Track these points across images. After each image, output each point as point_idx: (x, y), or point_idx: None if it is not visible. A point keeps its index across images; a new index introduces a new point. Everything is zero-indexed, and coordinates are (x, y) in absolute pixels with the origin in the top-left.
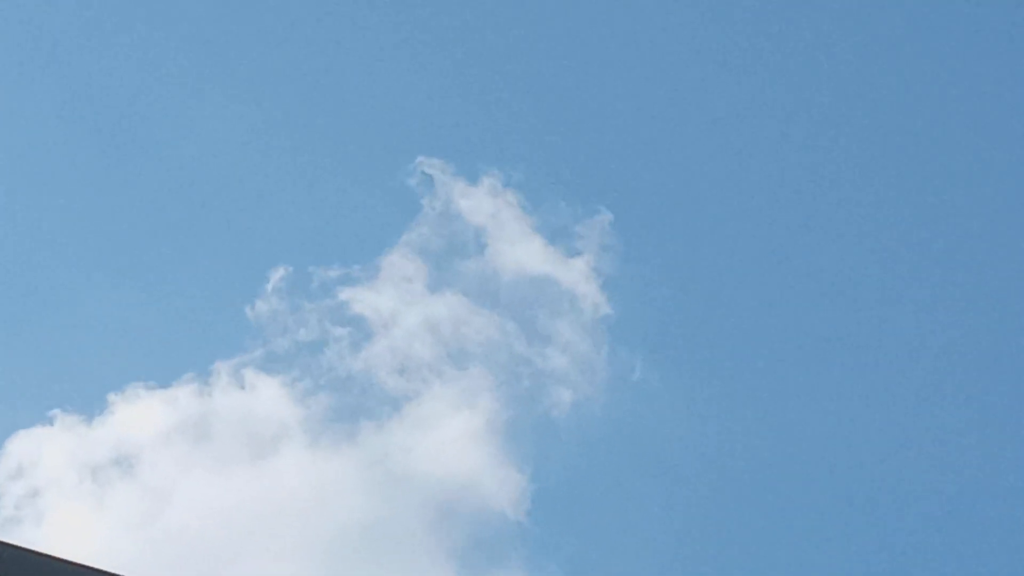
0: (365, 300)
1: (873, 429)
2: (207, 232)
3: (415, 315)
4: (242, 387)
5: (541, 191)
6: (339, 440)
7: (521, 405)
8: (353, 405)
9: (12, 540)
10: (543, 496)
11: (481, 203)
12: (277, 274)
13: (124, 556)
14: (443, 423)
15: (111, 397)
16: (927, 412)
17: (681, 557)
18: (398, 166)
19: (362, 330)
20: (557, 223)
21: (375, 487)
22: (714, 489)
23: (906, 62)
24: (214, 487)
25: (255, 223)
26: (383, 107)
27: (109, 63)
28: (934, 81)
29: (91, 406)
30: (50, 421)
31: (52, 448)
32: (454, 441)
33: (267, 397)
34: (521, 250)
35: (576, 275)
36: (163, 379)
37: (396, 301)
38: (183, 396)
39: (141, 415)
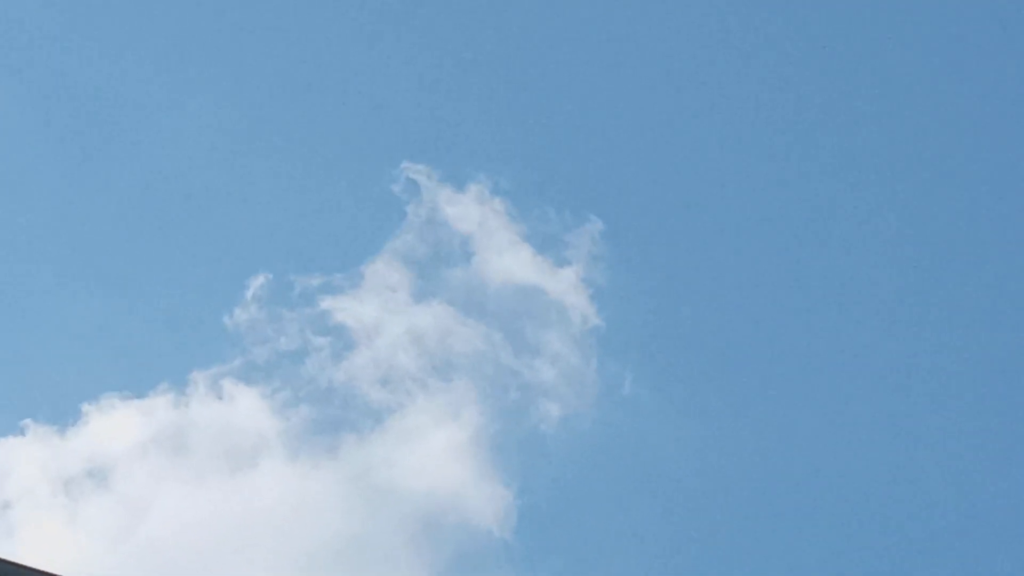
0: (348, 309)
1: (866, 440)
2: (185, 237)
3: (399, 325)
4: (220, 398)
5: (529, 198)
6: (320, 453)
7: (508, 419)
8: (334, 417)
9: None
10: (530, 513)
11: (468, 210)
12: (257, 281)
13: (98, 571)
14: (427, 436)
15: (85, 407)
16: (921, 422)
17: None
18: (382, 172)
19: (344, 340)
20: (546, 231)
21: (356, 502)
22: (707, 506)
23: (901, 69)
24: (190, 501)
25: (234, 229)
26: (367, 111)
27: (87, 61)
28: (928, 88)
29: (64, 416)
30: (22, 431)
31: (24, 459)
32: (438, 455)
33: (245, 408)
34: (509, 259)
35: (565, 285)
36: (138, 389)
37: (380, 310)
38: (159, 407)
39: (116, 426)
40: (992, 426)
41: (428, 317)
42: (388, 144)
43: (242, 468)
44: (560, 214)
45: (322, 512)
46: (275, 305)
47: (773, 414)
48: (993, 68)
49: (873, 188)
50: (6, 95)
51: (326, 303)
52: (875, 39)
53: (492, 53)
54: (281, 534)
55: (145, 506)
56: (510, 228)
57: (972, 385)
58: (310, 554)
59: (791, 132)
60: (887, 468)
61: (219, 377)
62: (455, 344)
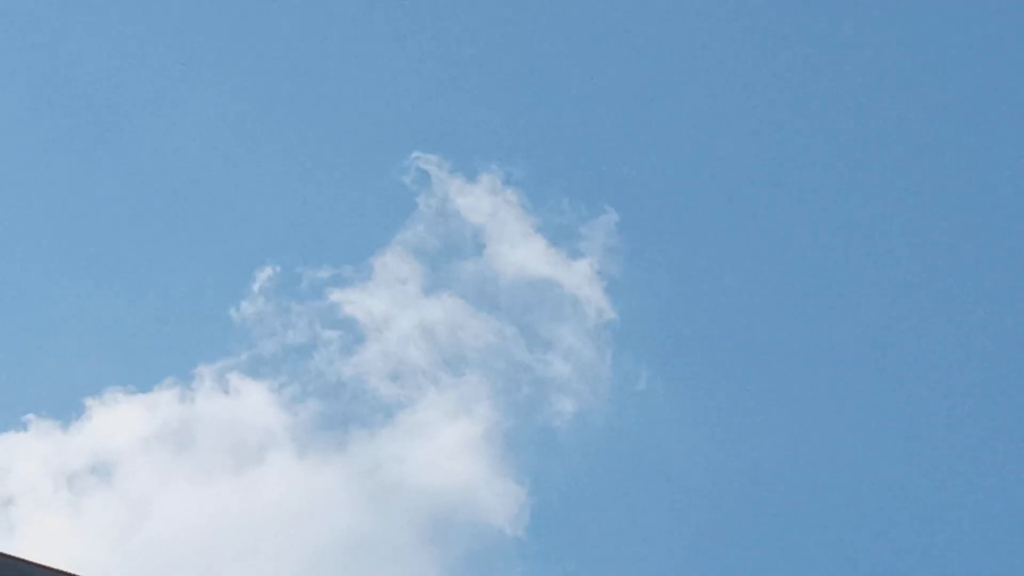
0: (357, 302)
1: (883, 439)
2: (191, 230)
3: (409, 318)
4: (226, 392)
5: (543, 189)
6: (328, 449)
7: (520, 414)
8: (343, 412)
9: None
10: (543, 510)
11: (480, 201)
12: (264, 274)
13: (101, 568)
14: (438, 432)
15: (88, 402)
16: (937, 422)
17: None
18: (392, 162)
19: (353, 333)
20: (560, 223)
21: (366, 499)
22: (722, 504)
23: (913, 64)
24: (196, 497)
25: (241, 220)
26: (376, 100)
27: (89, 54)
28: (940, 85)
29: (67, 411)
30: (24, 426)
31: (26, 455)
32: (449, 451)
33: (253, 403)
34: (521, 251)
35: (579, 278)
36: (143, 383)
37: (389, 303)
38: (164, 401)
39: (120, 421)
40: (1014, 430)
41: (439, 310)
42: (398, 134)
43: (249, 464)
44: (574, 205)
45: (330, 509)
46: (283, 298)
47: (790, 411)
48: (993, 68)
49: (896, 180)
50: (10, 88)
51: (335, 296)
52: (902, 26)
53: (504, 39)
54: (288, 532)
55: (149, 503)
56: (523, 219)
57: (992, 389)
58: (318, 552)
59: (811, 123)
60: (905, 467)
61: (225, 371)
62: (466, 338)
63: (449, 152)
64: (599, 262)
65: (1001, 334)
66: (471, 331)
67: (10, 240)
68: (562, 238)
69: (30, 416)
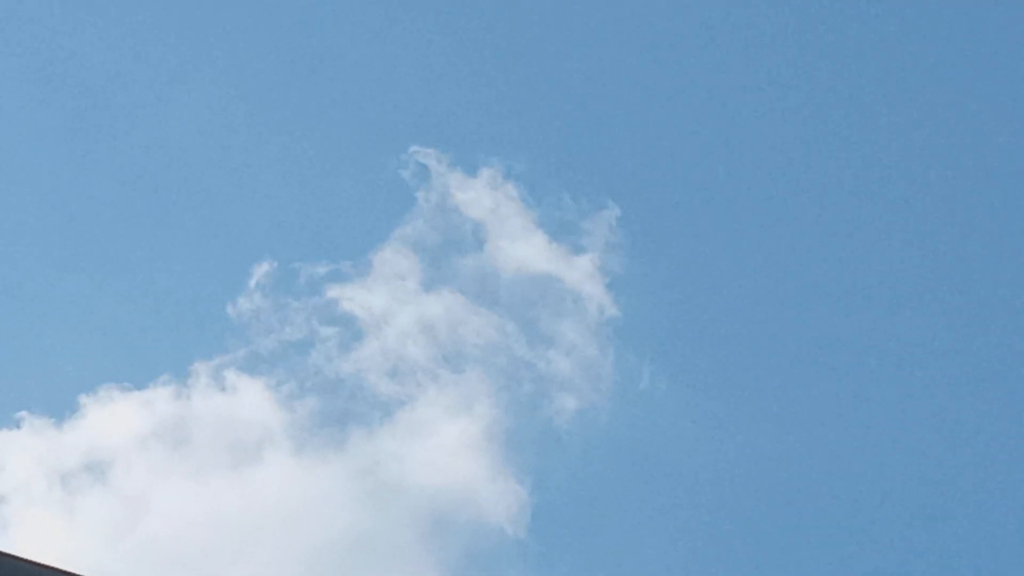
0: (355, 298)
1: (888, 437)
2: (186, 223)
3: (409, 314)
4: (223, 389)
5: (544, 183)
6: (326, 447)
7: (521, 412)
8: (342, 410)
9: None
10: (544, 510)
11: (480, 196)
12: (261, 269)
13: (95, 568)
14: (438, 430)
15: (82, 399)
16: (942, 420)
17: None
18: (391, 156)
19: (352, 330)
20: (561, 218)
21: (364, 498)
22: (725, 504)
23: (918, 63)
24: (192, 496)
25: (238, 215)
26: (375, 92)
27: (85, 47)
28: (944, 84)
29: (61, 408)
30: (17, 424)
31: (19, 453)
32: (449, 450)
33: (249, 400)
34: (522, 246)
35: (581, 274)
36: (138, 380)
37: (388, 299)
38: (160, 398)
39: (115, 418)
40: (1012, 429)
41: (439, 306)
42: (396, 127)
43: (245, 462)
44: (576, 200)
45: (328, 509)
46: (280, 294)
47: (795, 409)
48: (995, 69)
49: (900, 178)
50: (3, 84)
51: (333, 292)
52: (904, 24)
53: (504, 30)
54: (285, 531)
55: (145, 502)
56: (524, 214)
57: (994, 390)
58: (315, 552)
59: (815, 119)
60: (910, 464)
61: (222, 368)
62: (467, 335)
63: (448, 146)
64: (601, 258)
65: (1005, 334)
66: (471, 327)
67: (3, 236)
68: (563, 233)
69: (23, 413)
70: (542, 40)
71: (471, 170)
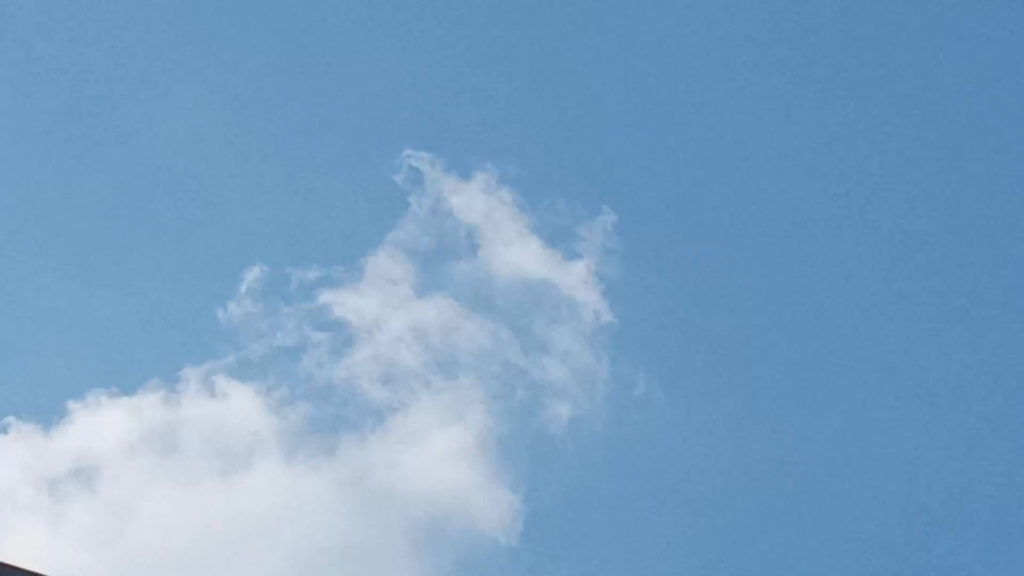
0: (347, 303)
1: (882, 440)
2: (177, 228)
3: (401, 320)
4: (213, 395)
5: (539, 188)
6: (317, 454)
7: (515, 419)
8: (333, 416)
9: None
10: (537, 519)
11: (473, 200)
12: (252, 274)
13: (82, 575)
14: (430, 437)
15: (71, 404)
16: (939, 425)
17: None
18: (384, 160)
19: (344, 336)
20: (556, 223)
21: (356, 505)
22: (721, 511)
23: (913, 65)
24: (181, 503)
25: (229, 219)
26: (368, 96)
27: (77, 50)
28: (944, 84)
29: (49, 414)
30: (4, 429)
31: (6, 458)
32: (442, 457)
33: (240, 406)
34: (516, 252)
35: (576, 280)
36: (127, 386)
37: (381, 305)
38: (149, 404)
39: (103, 424)
40: (1012, 429)
41: (432, 312)
42: (390, 131)
43: (236, 469)
44: (571, 205)
45: (319, 516)
46: (271, 299)
47: (790, 415)
48: (995, 69)
49: (899, 181)
50: None
51: (325, 297)
52: (903, 25)
53: (499, 35)
54: (276, 539)
55: (133, 509)
56: (518, 219)
57: (994, 390)
58: (306, 560)
59: (812, 123)
60: (904, 469)
61: (212, 374)
62: (460, 341)
63: (442, 150)
64: (596, 263)
65: (1004, 335)
66: (465, 333)
67: None
68: (558, 238)
69: (10, 419)
70: (537, 45)
71: (465, 174)
